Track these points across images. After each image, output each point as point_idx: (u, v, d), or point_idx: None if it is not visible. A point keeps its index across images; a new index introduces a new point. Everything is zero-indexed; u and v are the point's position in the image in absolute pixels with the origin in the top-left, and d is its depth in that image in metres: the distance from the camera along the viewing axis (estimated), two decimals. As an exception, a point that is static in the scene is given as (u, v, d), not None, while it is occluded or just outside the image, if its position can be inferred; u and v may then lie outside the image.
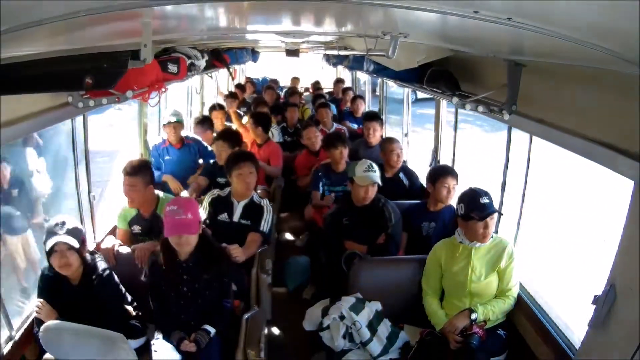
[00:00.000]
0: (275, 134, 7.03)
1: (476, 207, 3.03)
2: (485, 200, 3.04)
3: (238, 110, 7.46)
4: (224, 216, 3.74)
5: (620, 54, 1.40)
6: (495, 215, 3.10)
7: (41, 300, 2.84)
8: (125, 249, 3.44)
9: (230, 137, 5.00)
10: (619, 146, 1.94)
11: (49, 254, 2.80)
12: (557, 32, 1.39)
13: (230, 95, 8.26)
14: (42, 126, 2.51)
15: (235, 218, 3.73)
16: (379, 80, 7.83)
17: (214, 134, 5.98)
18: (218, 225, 3.69)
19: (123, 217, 3.75)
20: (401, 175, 4.81)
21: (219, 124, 7.02)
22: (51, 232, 2.78)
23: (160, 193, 3.82)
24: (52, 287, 2.88)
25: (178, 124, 5.33)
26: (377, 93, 8.66)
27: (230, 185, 3.83)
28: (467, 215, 3.06)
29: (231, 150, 4.71)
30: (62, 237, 2.77)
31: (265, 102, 8.05)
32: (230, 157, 3.91)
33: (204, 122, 6.34)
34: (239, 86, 10.11)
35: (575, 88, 2.30)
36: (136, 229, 3.73)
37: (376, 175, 3.81)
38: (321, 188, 4.90)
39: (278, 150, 5.73)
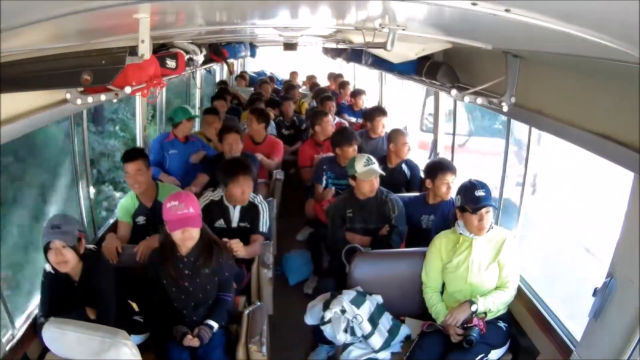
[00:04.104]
0: (269, 128, 7.02)
1: (471, 199, 3.04)
2: (480, 193, 3.04)
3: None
4: (220, 222, 3.68)
5: (620, 45, 1.39)
6: (492, 208, 3.09)
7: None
8: (128, 247, 3.42)
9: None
10: (619, 138, 1.93)
11: (45, 251, 2.78)
12: (557, 24, 1.38)
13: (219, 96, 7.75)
14: (40, 124, 2.50)
15: (234, 223, 3.69)
16: (380, 73, 7.79)
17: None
18: (216, 232, 3.52)
19: (126, 209, 3.73)
20: (403, 166, 4.84)
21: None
22: (47, 230, 2.77)
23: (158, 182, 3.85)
24: (54, 284, 2.88)
25: (193, 119, 5.35)
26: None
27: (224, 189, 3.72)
28: (463, 207, 3.09)
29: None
30: (57, 235, 2.75)
31: (263, 98, 8.01)
32: (225, 166, 3.77)
33: (214, 111, 6.36)
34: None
35: (575, 80, 2.30)
36: (141, 220, 3.72)
37: (376, 166, 3.86)
38: (324, 181, 4.89)
39: (280, 145, 5.69)
